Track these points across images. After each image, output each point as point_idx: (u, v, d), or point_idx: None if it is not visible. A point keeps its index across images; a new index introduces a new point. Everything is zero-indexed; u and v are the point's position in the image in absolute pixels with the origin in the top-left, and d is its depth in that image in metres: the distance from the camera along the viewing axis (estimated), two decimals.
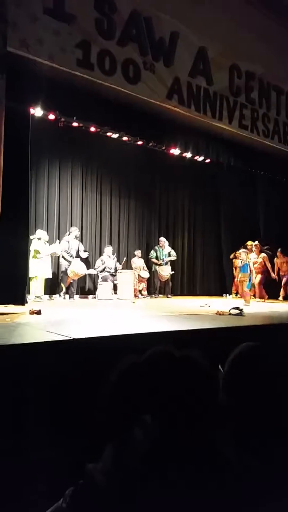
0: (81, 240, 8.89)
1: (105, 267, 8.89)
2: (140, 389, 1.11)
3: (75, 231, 8.53)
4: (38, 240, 7.71)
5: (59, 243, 8.31)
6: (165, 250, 9.83)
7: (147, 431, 1.03)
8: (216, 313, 5.73)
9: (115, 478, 1.01)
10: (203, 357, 1.20)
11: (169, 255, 9.82)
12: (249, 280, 8.82)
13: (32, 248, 7.38)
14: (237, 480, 1.02)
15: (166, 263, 9.72)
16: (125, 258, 9.44)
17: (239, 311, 5.69)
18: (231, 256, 10.43)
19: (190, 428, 1.07)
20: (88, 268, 8.75)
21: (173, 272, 9.90)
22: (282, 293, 9.68)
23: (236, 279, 9.84)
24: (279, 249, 9.75)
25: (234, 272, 10.26)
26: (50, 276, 7.96)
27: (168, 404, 1.08)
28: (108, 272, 8.87)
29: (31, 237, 7.49)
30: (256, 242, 9.70)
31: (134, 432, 1.04)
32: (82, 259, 8.43)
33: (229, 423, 1.16)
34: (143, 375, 1.13)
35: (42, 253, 7.61)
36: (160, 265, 9.67)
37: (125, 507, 0.96)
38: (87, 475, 1.10)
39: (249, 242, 10.09)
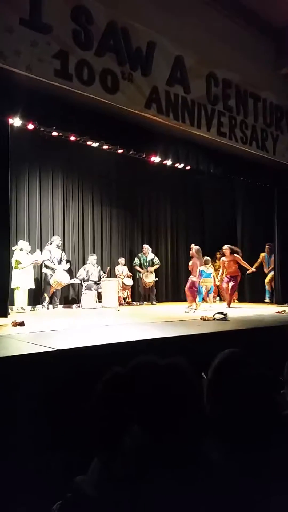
0: (64, 249, 8.85)
1: (89, 277, 8.86)
2: (125, 399, 1.12)
3: (56, 240, 8.49)
4: (20, 251, 7.65)
5: (40, 252, 8.26)
6: (148, 257, 9.85)
7: (135, 441, 1.03)
8: (201, 319, 5.77)
9: (104, 489, 1.01)
10: (187, 364, 1.21)
11: (153, 262, 9.83)
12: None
13: (13, 258, 7.31)
14: (223, 485, 1.03)
15: (150, 272, 9.73)
16: (108, 267, 9.41)
17: (223, 316, 5.74)
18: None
19: (176, 435, 1.07)
20: (71, 277, 8.71)
21: (156, 279, 9.92)
22: (228, 298, 8.86)
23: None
24: (227, 246, 8.93)
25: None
26: (33, 286, 7.89)
27: (154, 413, 1.09)
28: (92, 280, 8.84)
29: (13, 248, 7.43)
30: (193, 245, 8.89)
31: (122, 442, 1.04)
32: (64, 269, 8.39)
33: (214, 429, 1.17)
34: (128, 386, 1.14)
35: (24, 264, 7.55)
36: (143, 272, 9.69)
37: None
38: (76, 488, 1.10)
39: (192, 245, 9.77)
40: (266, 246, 9.60)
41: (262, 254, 9.72)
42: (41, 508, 1.17)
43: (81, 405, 1.46)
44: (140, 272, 9.76)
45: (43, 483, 2.04)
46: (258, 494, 1.04)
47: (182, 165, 8.19)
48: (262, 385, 1.19)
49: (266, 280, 9.66)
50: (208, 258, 8.84)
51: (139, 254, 9.97)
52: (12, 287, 7.05)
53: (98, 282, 8.86)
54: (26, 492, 2.13)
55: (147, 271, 9.66)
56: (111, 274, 9.46)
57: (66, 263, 8.50)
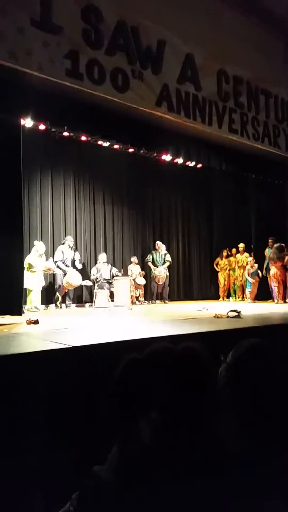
0: (76, 249, 8.88)
1: (100, 275, 8.87)
2: (142, 384, 1.12)
3: (69, 240, 8.52)
4: (35, 252, 7.69)
5: (53, 258, 8.26)
6: (161, 253, 9.87)
7: (153, 427, 1.03)
8: (214, 316, 5.74)
9: (122, 475, 1.02)
10: (202, 347, 1.20)
11: (165, 259, 9.85)
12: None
13: (26, 261, 7.33)
14: (238, 471, 1.02)
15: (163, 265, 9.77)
16: (121, 270, 9.40)
17: (237, 314, 5.70)
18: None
19: (193, 420, 1.07)
20: (84, 278, 8.72)
21: (168, 273, 9.88)
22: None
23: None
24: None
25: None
26: (44, 285, 7.91)
27: (170, 398, 1.09)
28: (104, 279, 8.86)
29: (32, 249, 7.52)
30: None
31: (139, 428, 1.04)
32: (77, 269, 8.41)
33: (231, 413, 1.16)
34: (145, 371, 1.14)
35: (36, 268, 7.55)
36: (156, 266, 9.71)
37: (132, 504, 0.96)
38: (94, 477, 1.10)
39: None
40: (269, 240, 9.55)
41: (266, 251, 9.71)
42: (60, 499, 1.18)
43: (95, 399, 1.47)
44: (152, 268, 9.77)
45: (60, 475, 2.05)
46: (274, 481, 1.03)
47: (193, 163, 8.18)
48: (284, 373, 1.18)
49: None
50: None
51: (152, 251, 10.00)
52: (24, 287, 7.08)
53: (110, 281, 8.87)
54: (43, 484, 2.14)
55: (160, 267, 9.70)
56: (124, 273, 9.47)
57: (80, 264, 8.51)
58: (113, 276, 8.88)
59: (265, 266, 9.59)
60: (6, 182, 5.19)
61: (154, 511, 0.95)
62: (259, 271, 9.53)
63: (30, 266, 7.50)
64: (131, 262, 9.84)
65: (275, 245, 9.12)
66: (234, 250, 10.56)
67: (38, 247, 7.78)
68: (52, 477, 2.11)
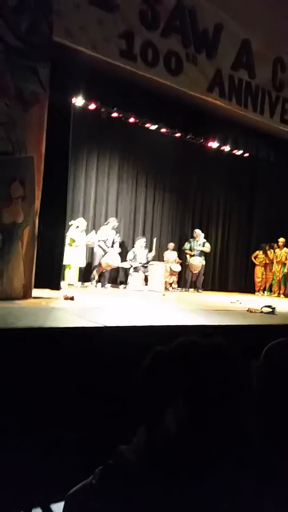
0: (117, 231, 8.94)
1: (136, 259, 8.90)
2: (170, 374, 1.14)
3: (113, 221, 8.58)
4: (76, 228, 7.83)
5: (95, 233, 8.39)
6: (199, 241, 9.78)
7: (178, 414, 1.06)
8: (248, 311, 5.67)
9: (146, 457, 1.05)
10: (227, 343, 1.20)
11: (203, 246, 9.74)
12: None
13: (68, 236, 7.48)
14: (262, 466, 1.03)
15: (200, 254, 9.65)
16: (155, 239, 9.34)
17: (271, 310, 5.61)
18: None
19: (219, 411, 1.08)
20: (122, 260, 8.78)
21: (204, 262, 9.77)
22: None
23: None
24: None
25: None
26: (84, 265, 8.07)
27: (198, 389, 1.10)
28: (139, 263, 8.91)
29: (70, 222, 7.62)
30: None
31: (165, 415, 1.06)
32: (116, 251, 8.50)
33: (260, 410, 1.17)
34: (173, 362, 1.16)
35: (78, 242, 7.71)
36: (192, 255, 9.63)
37: (155, 485, 1.00)
38: (118, 456, 1.14)
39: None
40: None
41: None
42: (83, 475, 1.22)
43: (125, 380, 1.50)
44: (188, 254, 9.72)
45: (88, 450, 2.12)
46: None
47: (240, 152, 8.00)
48: None
49: None
50: None
51: (190, 239, 9.93)
52: (64, 263, 7.24)
53: (145, 265, 8.91)
54: (70, 458, 2.23)
55: (195, 255, 9.62)
56: (159, 257, 9.47)
57: (119, 246, 8.59)
58: (148, 261, 8.91)
59: None
60: (55, 159, 5.27)
61: (173, 497, 0.98)
62: None
63: (73, 241, 7.66)
64: (167, 248, 9.83)
65: None
66: (275, 245, 10.36)
67: (80, 223, 7.92)
68: (79, 452, 2.19)
